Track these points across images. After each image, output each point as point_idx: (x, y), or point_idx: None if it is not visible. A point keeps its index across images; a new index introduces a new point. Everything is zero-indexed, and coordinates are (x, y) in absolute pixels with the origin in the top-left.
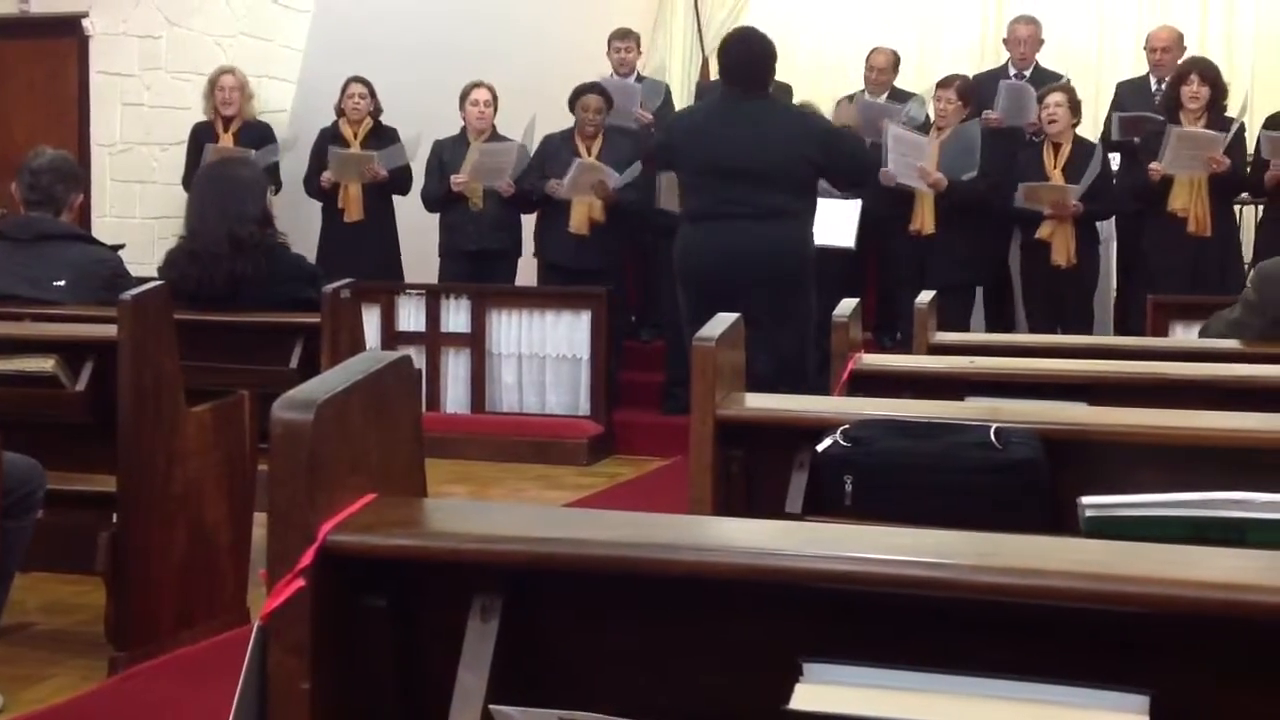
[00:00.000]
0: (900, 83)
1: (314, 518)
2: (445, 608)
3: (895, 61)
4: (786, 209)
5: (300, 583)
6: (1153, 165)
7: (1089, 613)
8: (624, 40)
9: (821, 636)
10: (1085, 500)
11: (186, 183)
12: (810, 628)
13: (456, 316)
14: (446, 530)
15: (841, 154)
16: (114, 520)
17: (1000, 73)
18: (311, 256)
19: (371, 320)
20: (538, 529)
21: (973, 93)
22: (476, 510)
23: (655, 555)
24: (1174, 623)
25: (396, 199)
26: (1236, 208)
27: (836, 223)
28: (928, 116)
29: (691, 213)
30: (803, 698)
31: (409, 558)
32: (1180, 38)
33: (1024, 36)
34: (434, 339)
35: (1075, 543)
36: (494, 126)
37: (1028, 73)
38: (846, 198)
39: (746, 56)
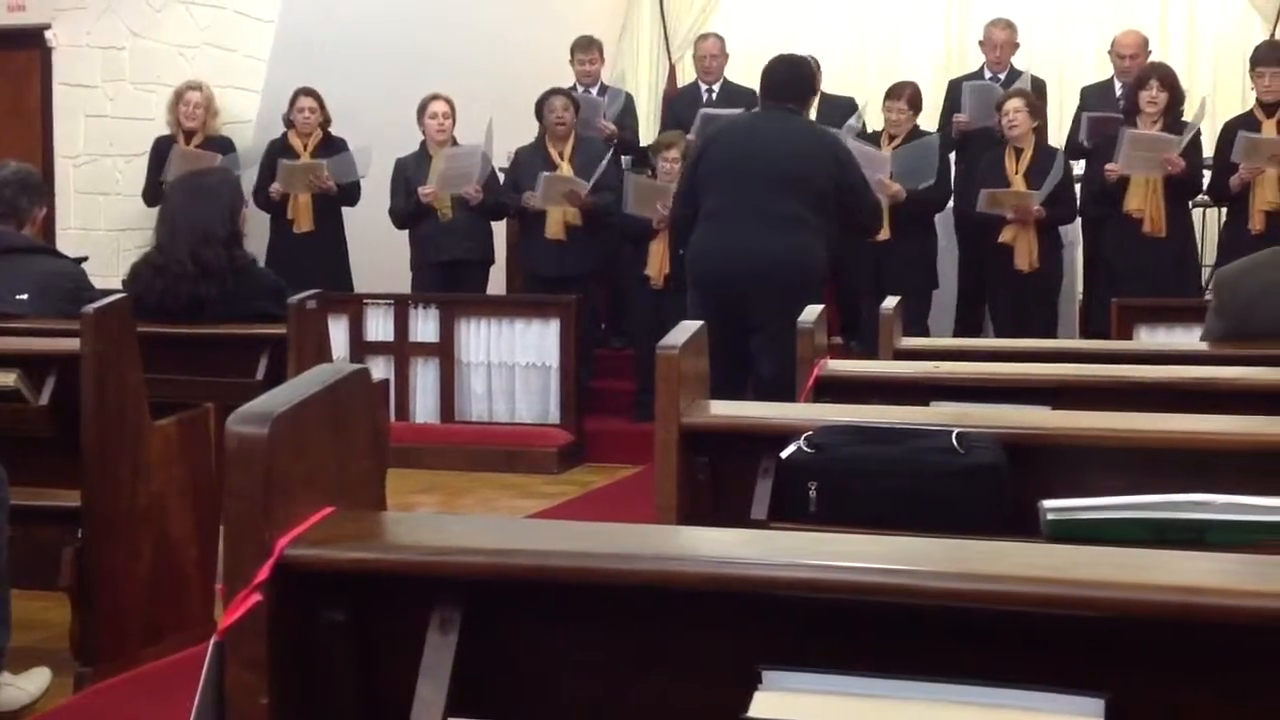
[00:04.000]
0: (863, 89)
1: (270, 532)
2: (404, 621)
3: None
4: (803, 219)
5: (257, 597)
6: (1109, 166)
7: (1048, 617)
8: (586, 52)
9: (781, 644)
10: (1046, 503)
11: (147, 196)
12: (770, 635)
13: (425, 326)
14: (404, 543)
15: (852, 189)
16: (78, 535)
17: (977, 77)
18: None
19: (340, 330)
20: (496, 540)
21: (921, 101)
22: (435, 522)
23: (614, 565)
24: (1132, 626)
25: (354, 213)
26: (1198, 211)
27: None
28: (866, 124)
29: (706, 215)
30: (761, 705)
31: (367, 571)
32: (1145, 42)
33: (1000, 40)
34: (402, 349)
35: (1033, 547)
36: (454, 138)
37: (1002, 76)
38: None
39: (786, 74)
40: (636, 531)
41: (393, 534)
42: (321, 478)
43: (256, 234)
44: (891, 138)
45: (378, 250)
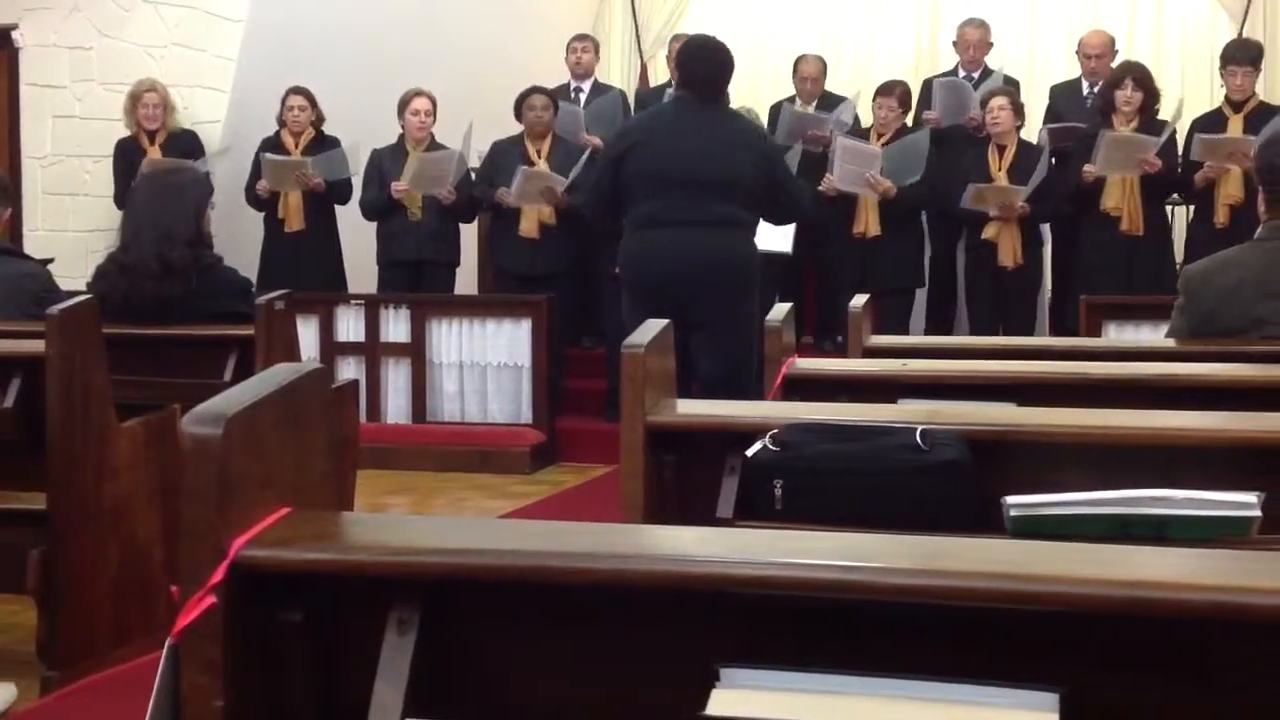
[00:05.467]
0: (834, 87)
1: (225, 533)
2: (362, 621)
3: (824, 69)
4: (736, 217)
5: (211, 599)
6: (1086, 167)
7: (1005, 612)
8: (580, 42)
9: (739, 641)
10: (1010, 500)
11: (119, 199)
12: (728, 633)
13: (396, 326)
14: (361, 543)
15: (781, 182)
16: (44, 538)
17: (950, 76)
18: (253, 268)
19: (310, 331)
20: (453, 540)
21: (911, 100)
22: (393, 522)
23: (570, 564)
24: (1087, 620)
25: (347, 211)
26: (1169, 208)
27: (774, 228)
28: (857, 120)
29: (640, 220)
30: (719, 703)
31: (323, 571)
32: (1112, 42)
33: (974, 40)
34: (374, 349)
35: (989, 543)
36: (433, 135)
37: (976, 75)
38: None
39: (709, 65)
40: (594, 531)
41: (349, 534)
42: (278, 478)
43: (247, 235)
44: (880, 135)
45: (354, 245)
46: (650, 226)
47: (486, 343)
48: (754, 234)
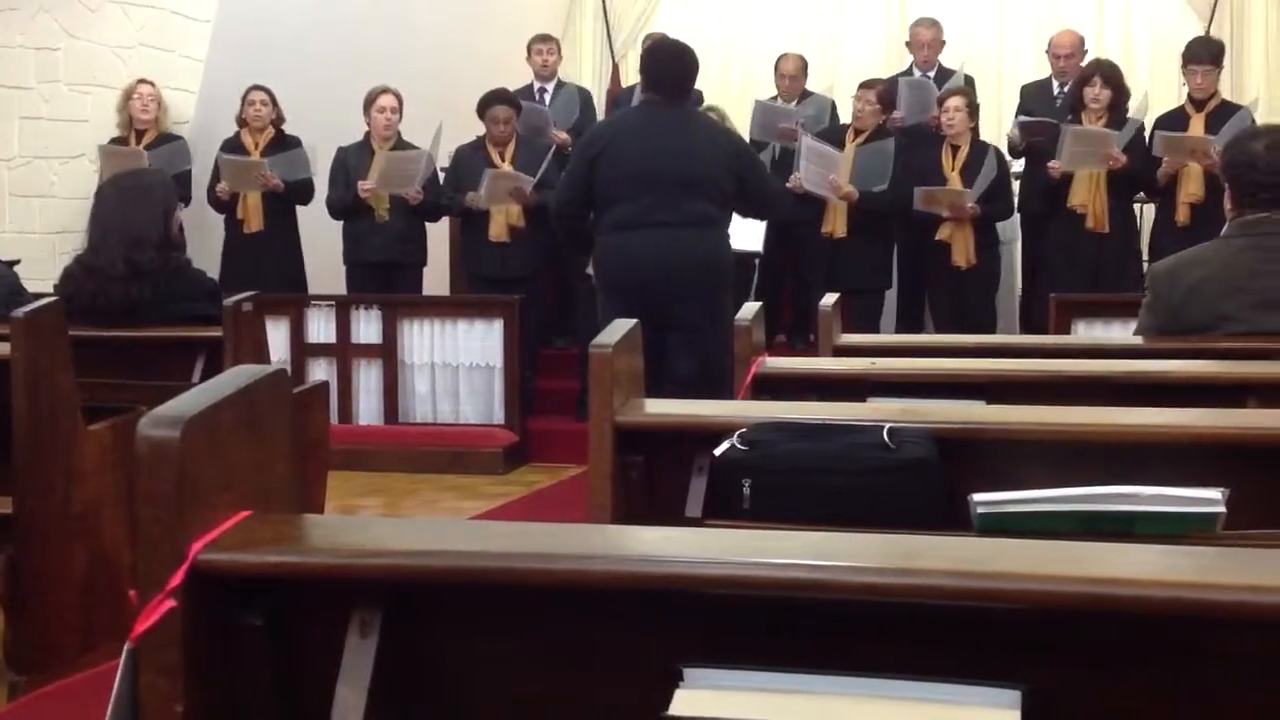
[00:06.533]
0: (809, 86)
1: (184, 537)
2: (324, 624)
3: (804, 67)
4: (710, 217)
5: (170, 603)
6: (1051, 163)
7: (968, 610)
8: (545, 43)
9: (702, 641)
10: (977, 497)
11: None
12: (691, 633)
13: (367, 327)
14: (322, 545)
15: (752, 178)
16: (11, 542)
17: (905, 75)
18: (214, 269)
19: (281, 332)
20: (415, 542)
21: (892, 100)
22: (354, 524)
23: (532, 565)
24: (1050, 618)
25: (308, 212)
26: (1136, 206)
27: (745, 227)
28: (836, 115)
29: (616, 222)
30: (682, 703)
31: (284, 574)
32: (1081, 41)
33: (926, 40)
34: (345, 350)
35: (953, 541)
36: (399, 133)
37: (931, 74)
38: None
39: (675, 67)
40: (556, 531)
41: (310, 537)
42: (238, 481)
43: (211, 234)
44: (858, 132)
45: (333, 249)
46: (624, 229)
47: (458, 343)
48: (726, 234)
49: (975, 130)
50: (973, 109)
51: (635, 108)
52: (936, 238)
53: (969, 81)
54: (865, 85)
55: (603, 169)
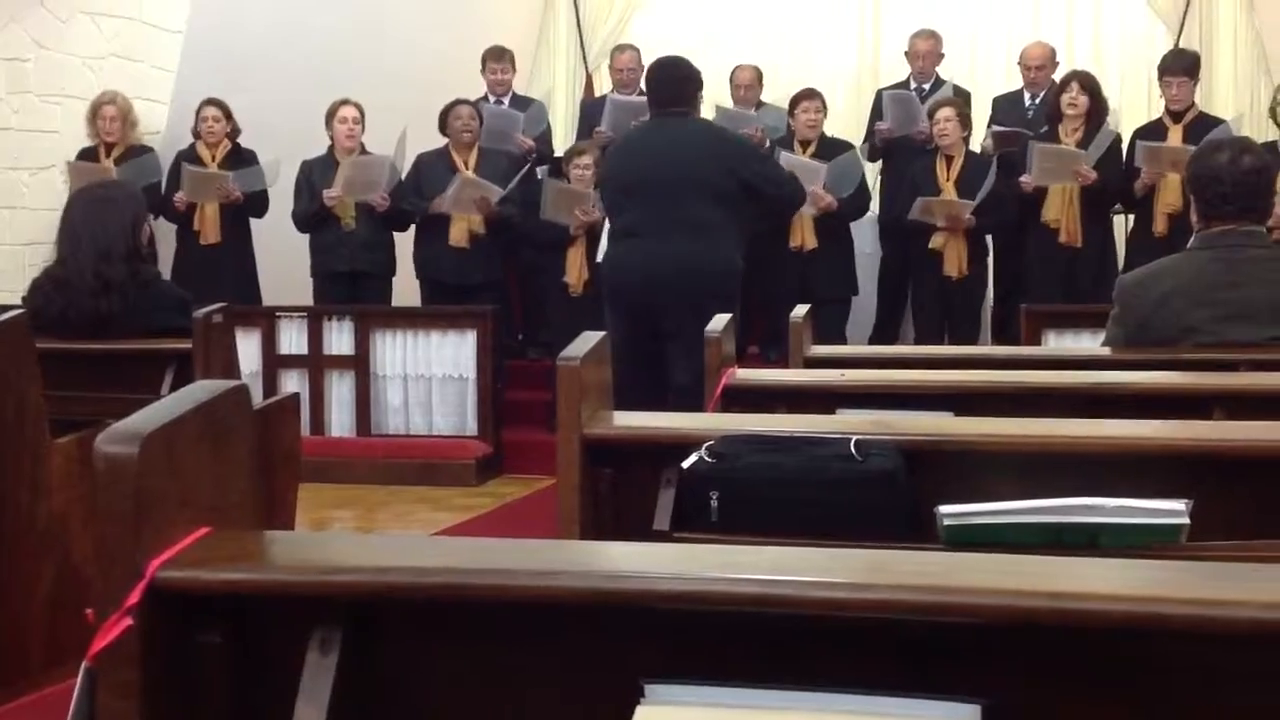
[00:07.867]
0: (775, 97)
1: (141, 554)
2: (283, 642)
3: (758, 77)
4: (711, 221)
5: (128, 621)
6: (1023, 178)
7: (931, 624)
8: (499, 61)
9: (664, 656)
10: (943, 509)
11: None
12: (653, 648)
13: (339, 338)
14: (281, 562)
15: (755, 173)
16: None
17: (903, 87)
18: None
19: (252, 344)
20: (376, 558)
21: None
22: (314, 541)
23: (492, 581)
24: (1012, 632)
25: (263, 225)
26: (1114, 218)
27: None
28: (790, 127)
29: (621, 229)
30: (643, 719)
31: (242, 591)
32: (1053, 54)
33: (924, 51)
34: (317, 362)
35: (914, 555)
36: (362, 144)
37: (927, 86)
38: None
39: (673, 82)
40: (518, 548)
41: (270, 554)
42: (197, 497)
43: (162, 245)
44: (804, 144)
45: (287, 261)
46: (627, 237)
47: (431, 354)
48: (733, 239)
49: (968, 140)
50: (964, 119)
51: (640, 125)
52: (930, 246)
53: (961, 94)
54: (807, 95)
55: (609, 188)
